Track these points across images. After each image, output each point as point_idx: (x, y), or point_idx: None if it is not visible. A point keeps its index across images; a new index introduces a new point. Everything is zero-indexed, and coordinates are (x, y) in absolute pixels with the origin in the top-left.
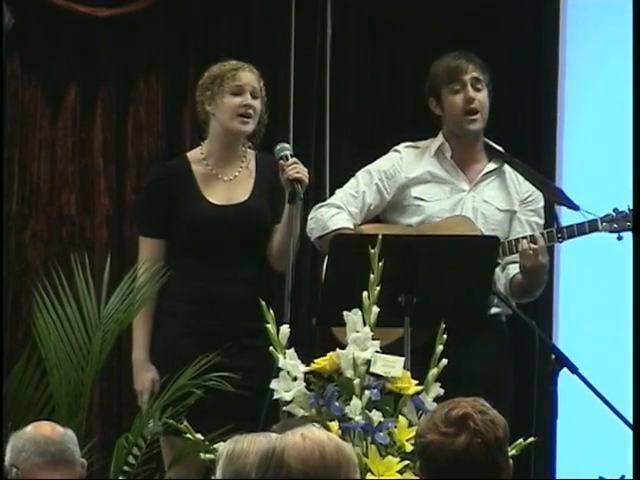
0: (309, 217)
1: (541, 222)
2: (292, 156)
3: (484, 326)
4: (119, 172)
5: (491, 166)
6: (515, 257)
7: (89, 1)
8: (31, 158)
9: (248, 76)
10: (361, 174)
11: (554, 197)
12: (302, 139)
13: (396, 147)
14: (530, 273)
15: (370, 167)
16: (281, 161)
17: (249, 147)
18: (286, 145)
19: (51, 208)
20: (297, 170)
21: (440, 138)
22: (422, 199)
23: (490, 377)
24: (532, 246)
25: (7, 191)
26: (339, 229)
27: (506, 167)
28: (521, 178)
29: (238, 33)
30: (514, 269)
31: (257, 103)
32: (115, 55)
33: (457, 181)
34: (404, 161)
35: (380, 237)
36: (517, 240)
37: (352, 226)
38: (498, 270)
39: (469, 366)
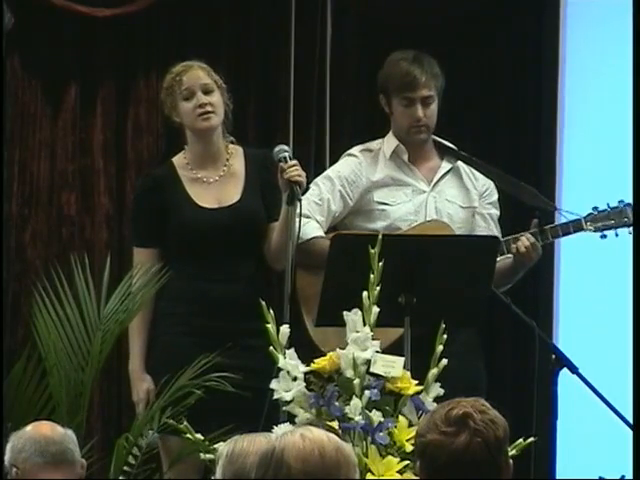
0: None
1: (498, 213)
2: (291, 158)
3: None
4: (119, 172)
5: (447, 165)
6: None
7: (89, 1)
8: (31, 158)
9: (194, 75)
10: (321, 181)
11: (526, 196)
12: (302, 140)
13: (350, 151)
14: (520, 268)
15: (329, 173)
16: (280, 163)
17: (231, 142)
18: (285, 147)
19: (51, 208)
20: (298, 172)
21: (393, 140)
22: (385, 203)
23: (464, 374)
24: (525, 244)
25: (7, 191)
26: (314, 238)
27: (459, 163)
28: (476, 172)
29: (238, 33)
30: None
31: (213, 97)
32: (115, 55)
33: (416, 182)
34: (363, 165)
35: (380, 237)
36: (507, 242)
37: (323, 234)
38: None
39: (450, 366)
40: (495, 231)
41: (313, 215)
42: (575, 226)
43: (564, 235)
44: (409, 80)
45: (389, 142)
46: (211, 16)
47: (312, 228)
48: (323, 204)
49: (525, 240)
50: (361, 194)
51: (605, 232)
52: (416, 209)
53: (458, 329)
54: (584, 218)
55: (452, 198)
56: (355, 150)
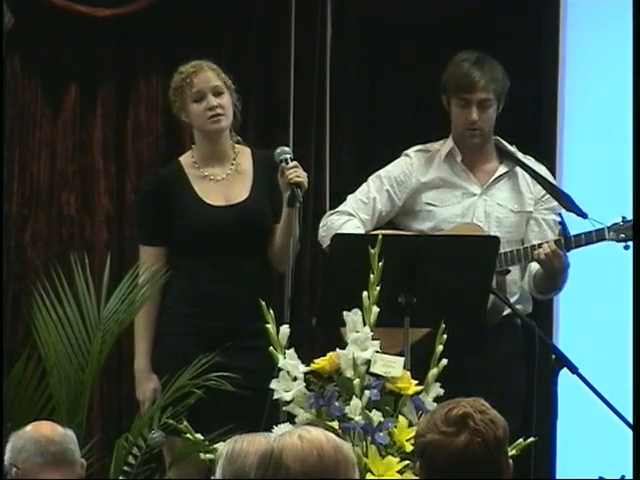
0: (320, 225)
1: (558, 219)
2: (292, 160)
3: (498, 327)
4: (119, 172)
5: (502, 169)
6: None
7: (89, 1)
8: (31, 158)
9: (205, 77)
10: (372, 180)
11: (562, 202)
12: (302, 140)
13: (407, 151)
14: (549, 274)
15: (381, 172)
16: (281, 164)
17: (237, 142)
18: (286, 149)
19: (51, 208)
20: (298, 174)
21: (450, 142)
22: (433, 204)
23: (504, 378)
24: (545, 251)
25: (7, 191)
26: None
27: (518, 168)
28: None
29: (238, 33)
30: (535, 266)
31: (222, 99)
32: (115, 55)
33: (468, 185)
34: (414, 166)
35: (380, 237)
36: (533, 246)
37: (363, 232)
38: (518, 270)
39: (483, 367)
40: (550, 237)
41: (357, 213)
42: (598, 235)
43: (587, 244)
44: (467, 82)
45: (447, 143)
46: (211, 16)
47: (351, 226)
48: (369, 203)
49: (546, 247)
50: (410, 194)
51: (628, 243)
52: (463, 212)
53: (502, 333)
54: (608, 227)
55: (503, 202)
56: (411, 150)
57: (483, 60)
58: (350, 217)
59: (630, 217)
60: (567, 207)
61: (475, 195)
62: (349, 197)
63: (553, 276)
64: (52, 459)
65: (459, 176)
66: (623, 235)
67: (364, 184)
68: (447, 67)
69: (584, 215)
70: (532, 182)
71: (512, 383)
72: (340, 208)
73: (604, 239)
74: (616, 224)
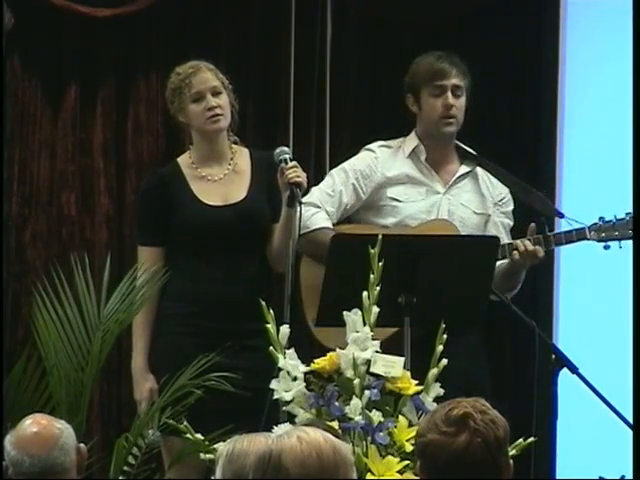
0: None
1: (511, 224)
2: (291, 160)
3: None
4: (119, 172)
5: (464, 169)
6: None
7: (89, 1)
8: (31, 158)
9: (203, 77)
10: (336, 172)
11: (534, 201)
12: (302, 140)
13: (369, 146)
14: (515, 272)
15: (345, 166)
16: (281, 164)
17: (234, 142)
18: (285, 149)
19: (51, 208)
20: (298, 174)
21: (414, 139)
22: (398, 200)
23: (471, 376)
24: (528, 248)
25: (7, 191)
26: (320, 229)
27: (478, 169)
28: (494, 180)
29: (238, 33)
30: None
31: (221, 99)
32: (115, 55)
33: (432, 183)
34: (379, 160)
35: (380, 237)
36: (510, 244)
37: (331, 225)
38: None
39: (451, 365)
40: (505, 240)
41: (324, 206)
42: (578, 235)
43: (567, 243)
44: (439, 69)
45: (410, 141)
46: (211, 16)
47: (320, 219)
48: (335, 196)
49: (528, 244)
50: (374, 189)
51: (608, 243)
52: (428, 209)
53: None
54: (588, 227)
55: (467, 203)
56: (374, 145)
57: (448, 54)
58: (317, 209)
59: (612, 217)
60: (540, 207)
61: (439, 193)
62: (313, 189)
63: (517, 273)
64: (38, 476)
65: (423, 174)
66: (604, 235)
67: (328, 176)
68: (410, 70)
69: (561, 215)
70: (492, 185)
71: (480, 381)
72: (306, 199)
73: (585, 239)
74: (596, 224)
